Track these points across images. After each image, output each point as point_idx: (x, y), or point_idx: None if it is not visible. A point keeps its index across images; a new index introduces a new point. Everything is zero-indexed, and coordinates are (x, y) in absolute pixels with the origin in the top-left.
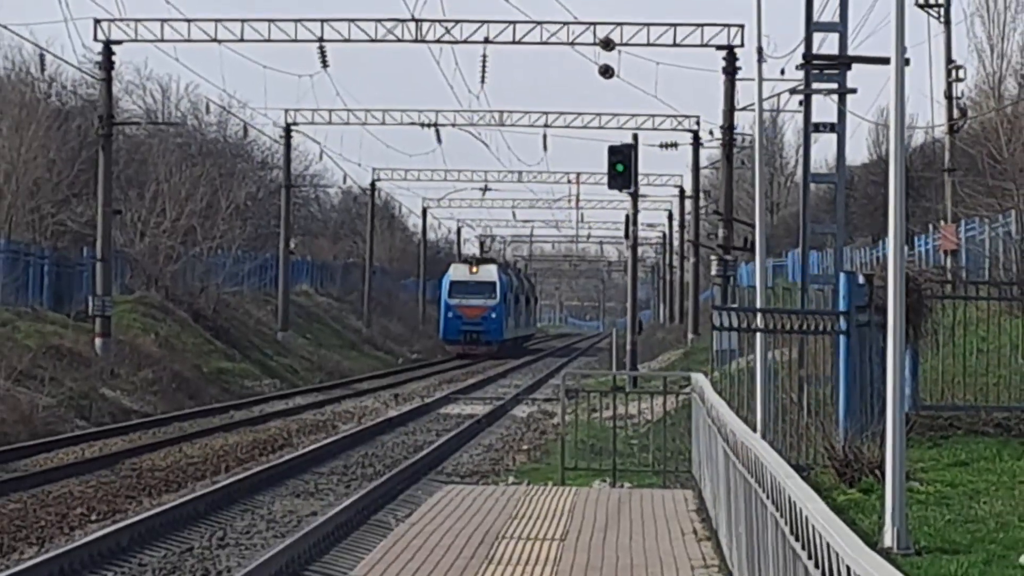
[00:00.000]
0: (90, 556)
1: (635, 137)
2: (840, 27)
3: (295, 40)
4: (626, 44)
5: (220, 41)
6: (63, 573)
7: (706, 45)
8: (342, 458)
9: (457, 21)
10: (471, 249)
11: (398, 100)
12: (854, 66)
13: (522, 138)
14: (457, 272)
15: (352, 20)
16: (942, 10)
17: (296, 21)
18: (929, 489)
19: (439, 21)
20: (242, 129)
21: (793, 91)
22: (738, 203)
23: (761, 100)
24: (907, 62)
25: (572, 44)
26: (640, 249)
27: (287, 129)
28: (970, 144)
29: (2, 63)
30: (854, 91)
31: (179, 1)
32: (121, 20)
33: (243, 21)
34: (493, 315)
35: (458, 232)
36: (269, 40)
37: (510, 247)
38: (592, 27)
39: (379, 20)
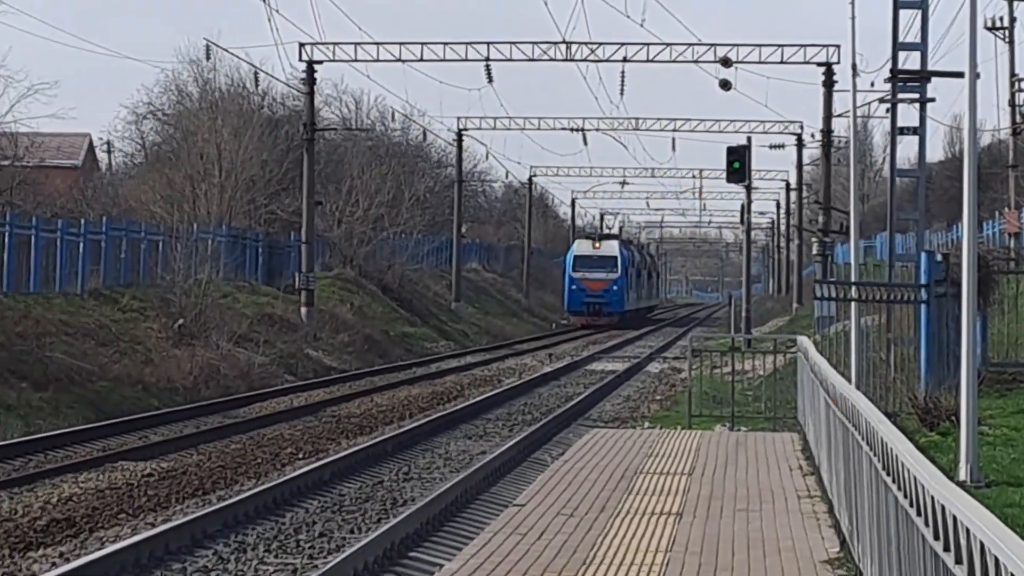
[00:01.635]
0: (298, 488)
1: (748, 140)
2: (921, 46)
3: (466, 60)
4: (741, 62)
5: (403, 61)
6: (276, 502)
7: (808, 62)
8: (506, 407)
9: (600, 43)
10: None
11: (551, 109)
12: (933, 79)
13: (654, 140)
14: (581, 247)
15: (513, 43)
16: (1006, 32)
17: (467, 44)
18: (997, 433)
19: (585, 43)
20: (421, 134)
21: (882, 100)
22: (835, 194)
23: (855, 108)
24: (978, 76)
25: (696, 62)
26: (753, 232)
27: (459, 134)
28: None
29: (224, 80)
30: (933, 100)
31: (370, 27)
32: (321, 44)
33: (422, 44)
34: (615, 287)
35: (600, 219)
36: (444, 60)
37: (644, 231)
38: (713, 48)
39: (535, 43)
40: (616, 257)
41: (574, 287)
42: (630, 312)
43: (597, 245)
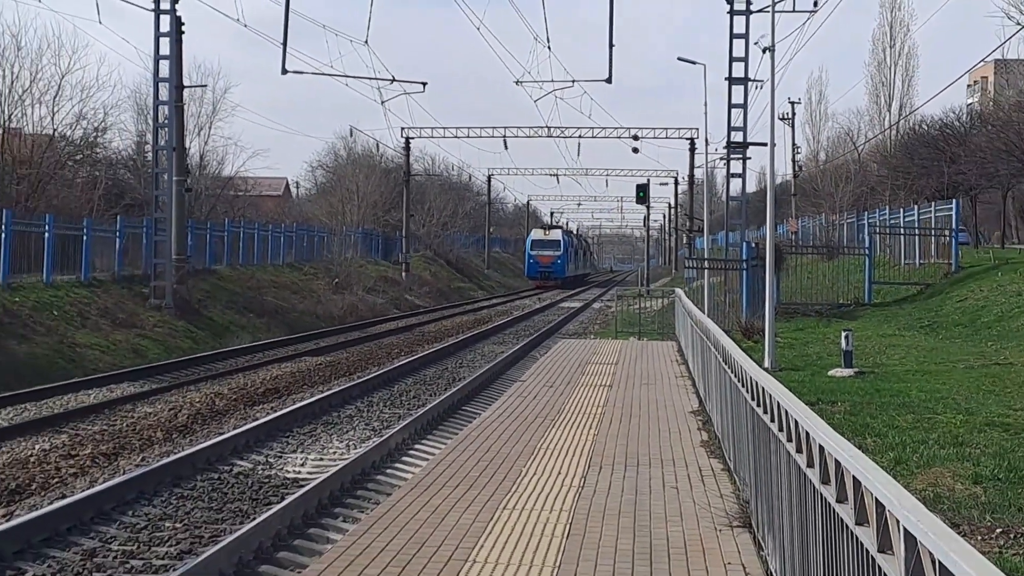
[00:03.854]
0: (399, 371)
1: (648, 180)
2: (743, 128)
3: (492, 136)
4: (644, 137)
5: (458, 136)
6: (389, 379)
7: (681, 137)
8: (514, 326)
9: (567, 127)
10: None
11: (539, 163)
12: (750, 147)
13: (596, 180)
14: (536, 234)
15: (518, 127)
16: (790, 120)
17: (492, 127)
18: (785, 341)
19: (559, 127)
20: (468, 177)
21: (721, 158)
22: (697, 211)
23: (707, 162)
24: (774, 145)
25: (619, 137)
26: (651, 231)
27: (488, 178)
28: (804, 183)
29: (360, 148)
30: (750, 158)
31: (440, 117)
32: (413, 127)
33: (468, 128)
34: (559, 261)
35: (566, 223)
36: (480, 136)
37: (590, 230)
38: (628, 129)
39: (531, 127)
40: (560, 241)
41: (532, 260)
42: (570, 277)
43: (547, 233)
